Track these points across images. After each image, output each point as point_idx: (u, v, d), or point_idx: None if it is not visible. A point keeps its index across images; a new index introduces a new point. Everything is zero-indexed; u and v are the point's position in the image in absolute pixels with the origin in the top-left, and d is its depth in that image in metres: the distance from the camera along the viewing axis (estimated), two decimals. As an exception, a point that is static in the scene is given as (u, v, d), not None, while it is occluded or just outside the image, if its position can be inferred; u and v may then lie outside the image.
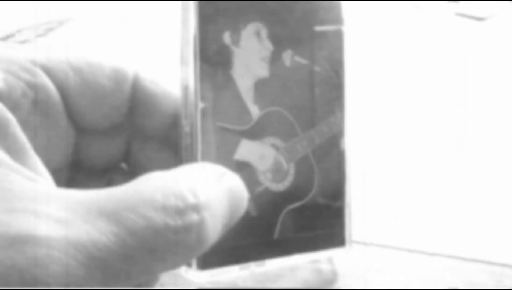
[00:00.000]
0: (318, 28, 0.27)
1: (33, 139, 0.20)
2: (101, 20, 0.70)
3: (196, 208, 0.18)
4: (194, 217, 0.18)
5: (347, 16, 0.28)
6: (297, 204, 0.27)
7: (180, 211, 0.18)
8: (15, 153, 0.18)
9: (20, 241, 0.15)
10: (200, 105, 0.24)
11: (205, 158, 0.24)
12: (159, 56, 0.60)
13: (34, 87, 0.22)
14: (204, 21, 0.24)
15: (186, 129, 0.24)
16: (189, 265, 0.24)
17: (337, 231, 0.29)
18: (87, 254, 0.16)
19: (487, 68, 0.58)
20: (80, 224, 0.16)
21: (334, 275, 0.33)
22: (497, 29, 0.66)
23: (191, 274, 0.24)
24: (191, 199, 0.18)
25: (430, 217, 0.38)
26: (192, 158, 0.24)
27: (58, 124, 0.23)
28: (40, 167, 0.19)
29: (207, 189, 0.19)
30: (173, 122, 0.25)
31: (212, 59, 0.24)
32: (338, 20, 0.28)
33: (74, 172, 0.24)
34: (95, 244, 0.16)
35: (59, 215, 0.16)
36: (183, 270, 0.25)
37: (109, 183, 0.25)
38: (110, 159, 0.25)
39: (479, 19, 0.67)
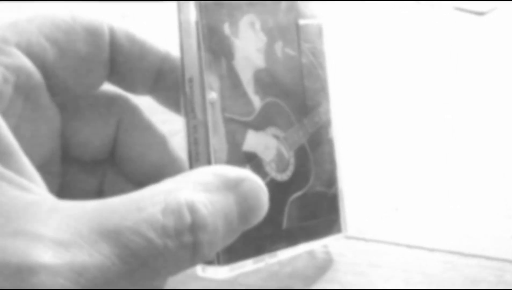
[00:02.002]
0: (301, 22, 0.27)
1: (18, 128, 0.19)
2: (99, 15, 0.70)
3: (191, 229, 0.18)
4: (189, 238, 0.18)
5: (324, 11, 0.29)
6: (299, 193, 0.27)
7: (178, 232, 0.18)
8: (3, 156, 0.17)
9: (23, 270, 0.15)
10: (209, 96, 0.23)
11: (217, 151, 0.23)
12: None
13: (14, 70, 0.20)
14: (204, 12, 0.23)
15: (194, 122, 0.23)
16: (207, 263, 0.24)
17: (334, 218, 0.29)
18: (91, 278, 0.16)
19: (487, 63, 0.58)
20: (83, 245, 0.16)
21: (329, 258, 0.33)
22: (497, 24, 0.66)
23: (210, 272, 0.24)
24: (188, 220, 0.18)
25: (429, 213, 0.38)
26: (203, 152, 0.23)
27: (43, 106, 0.21)
28: (30, 170, 0.18)
29: (211, 204, 0.19)
30: (156, 79, 0.24)
31: (215, 49, 0.24)
32: (316, 14, 0.28)
33: (65, 166, 0.24)
34: (98, 267, 0.16)
35: (60, 237, 0.16)
36: (199, 269, 0.25)
37: (102, 178, 0.25)
38: (99, 145, 0.24)
39: (479, 13, 0.67)
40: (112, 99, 0.25)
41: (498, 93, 0.52)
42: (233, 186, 0.20)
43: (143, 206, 0.17)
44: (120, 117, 0.25)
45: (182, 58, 0.23)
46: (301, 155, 0.27)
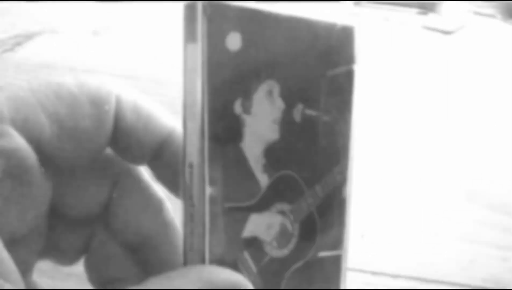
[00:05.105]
0: (330, 72, 0.24)
1: (4, 207, 0.19)
2: (70, 32, 0.70)
3: None
4: None
5: (360, 54, 0.25)
6: (299, 264, 0.25)
7: None
8: None
9: None
10: (209, 190, 0.21)
11: (213, 246, 0.21)
12: (128, 69, 0.60)
13: (5, 154, 0.19)
14: (213, 93, 0.20)
15: (192, 210, 0.21)
16: None
17: (334, 278, 0.27)
18: None
19: (454, 81, 0.59)
20: None
21: None
22: (464, 43, 0.67)
23: None
24: None
25: (394, 239, 0.39)
26: (198, 245, 0.21)
27: (33, 184, 0.20)
28: (7, 264, 0.17)
29: None
30: (155, 154, 0.23)
31: (221, 135, 0.21)
32: (350, 59, 0.25)
33: (53, 221, 0.22)
34: None
35: None
36: None
37: (91, 236, 0.24)
38: (91, 205, 0.23)
39: (446, 32, 0.69)
40: (109, 160, 0.24)
41: (463, 109, 0.54)
42: None
43: None
44: (116, 178, 0.24)
45: (184, 140, 0.21)
46: (308, 224, 0.24)
